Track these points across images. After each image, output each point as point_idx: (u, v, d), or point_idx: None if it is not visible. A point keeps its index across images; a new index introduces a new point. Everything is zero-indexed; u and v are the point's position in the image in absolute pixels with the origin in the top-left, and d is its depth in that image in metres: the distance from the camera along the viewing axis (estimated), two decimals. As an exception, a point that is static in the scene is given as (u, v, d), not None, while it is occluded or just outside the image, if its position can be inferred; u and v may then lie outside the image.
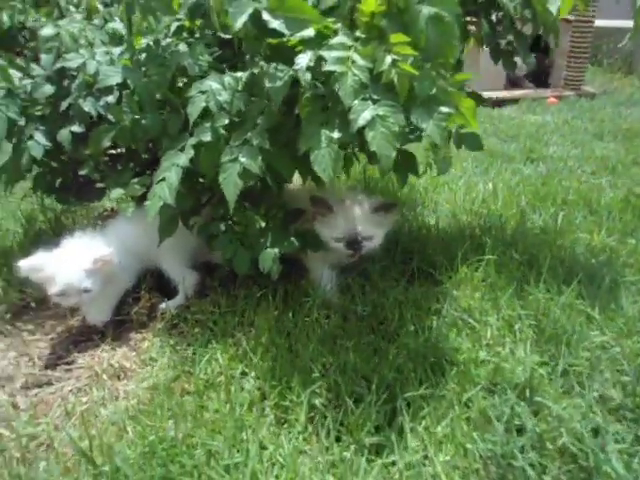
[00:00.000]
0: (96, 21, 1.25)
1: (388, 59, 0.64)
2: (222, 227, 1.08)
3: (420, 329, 0.96)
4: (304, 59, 0.65)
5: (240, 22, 0.66)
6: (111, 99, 1.09)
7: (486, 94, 3.05)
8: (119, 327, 1.17)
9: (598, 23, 3.80)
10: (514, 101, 3.00)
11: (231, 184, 0.76)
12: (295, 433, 0.79)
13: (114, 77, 1.05)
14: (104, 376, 1.01)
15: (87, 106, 1.05)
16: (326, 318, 1.05)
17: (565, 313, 0.98)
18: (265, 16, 0.67)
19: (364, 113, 0.63)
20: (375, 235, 1.06)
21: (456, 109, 0.68)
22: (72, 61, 1.06)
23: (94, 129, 1.02)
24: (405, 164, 0.94)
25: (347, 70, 0.63)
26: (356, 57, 0.64)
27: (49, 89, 1.11)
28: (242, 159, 0.76)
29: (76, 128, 1.10)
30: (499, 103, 2.99)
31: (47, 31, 1.12)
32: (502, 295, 1.03)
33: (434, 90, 0.66)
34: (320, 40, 0.67)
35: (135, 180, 1.09)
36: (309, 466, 0.73)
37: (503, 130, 2.37)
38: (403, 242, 1.31)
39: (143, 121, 0.97)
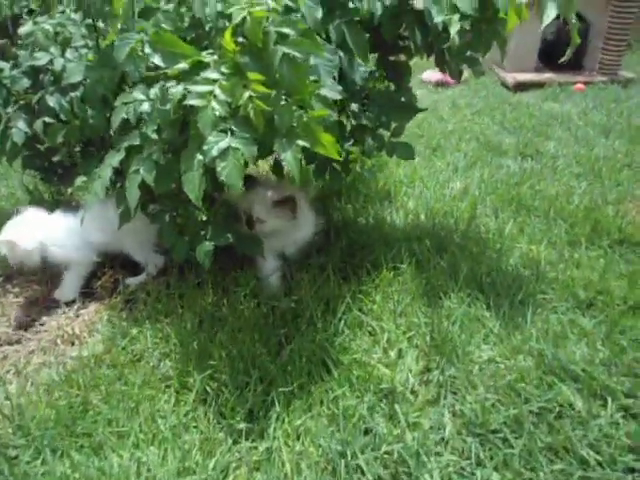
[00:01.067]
0: (76, 16, 1.35)
1: (246, 95, 0.70)
2: (166, 218, 1.19)
3: (324, 327, 1.04)
4: (177, 90, 0.73)
5: (123, 54, 0.74)
6: (77, 94, 1.20)
7: (511, 75, 2.95)
8: (88, 297, 1.33)
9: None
10: (540, 85, 2.87)
11: (133, 194, 0.86)
12: (184, 411, 0.91)
13: (77, 75, 1.16)
14: (58, 340, 1.18)
15: (52, 101, 1.18)
16: (256, 307, 1.15)
17: (464, 325, 1.02)
18: (147, 49, 0.74)
19: (219, 144, 0.70)
20: (270, 223, 1.14)
21: (316, 142, 0.73)
22: (41, 60, 1.18)
23: (49, 126, 1.14)
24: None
25: (207, 104, 0.70)
26: (218, 92, 0.70)
27: (25, 83, 1.24)
28: (142, 171, 0.85)
29: (49, 119, 1.23)
30: (523, 87, 2.88)
31: (25, 28, 1.24)
32: (412, 302, 1.08)
33: (294, 123, 0.72)
34: (196, 72, 0.73)
35: (97, 169, 1.22)
36: (187, 440, 0.86)
37: (510, 119, 2.30)
38: (353, 237, 1.37)
39: (90, 120, 1.08)
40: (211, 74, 0.72)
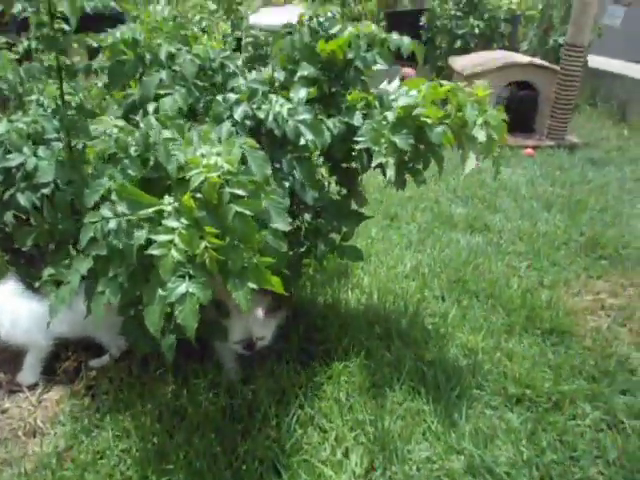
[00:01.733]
0: (49, 110, 1.43)
1: (202, 245, 0.79)
2: (131, 312, 1.25)
3: (278, 424, 1.12)
4: (140, 235, 0.81)
5: (92, 201, 0.83)
6: (47, 191, 1.27)
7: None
8: (51, 380, 1.37)
9: (598, 64, 3.79)
10: (493, 148, 3.05)
11: (98, 310, 0.93)
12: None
13: (48, 175, 1.23)
14: (20, 432, 1.21)
15: (22, 199, 1.24)
16: (215, 397, 1.22)
17: (406, 420, 1.12)
18: (113, 197, 0.83)
19: (177, 290, 0.78)
20: (267, 334, 1.22)
21: (265, 282, 0.83)
22: (13, 160, 1.24)
23: (18, 229, 1.21)
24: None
25: (167, 252, 0.79)
26: (177, 240, 0.79)
27: (-3, 178, 1.30)
28: (107, 293, 0.92)
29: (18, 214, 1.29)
30: (478, 149, 3.06)
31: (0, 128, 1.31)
32: (359, 396, 1.17)
33: (245, 266, 0.81)
34: (159, 219, 0.82)
35: (66, 262, 1.28)
36: None
37: (463, 187, 2.46)
38: (310, 320, 1.46)
39: (59, 226, 1.15)
40: (171, 222, 0.80)
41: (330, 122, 1.09)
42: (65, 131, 1.25)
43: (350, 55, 1.15)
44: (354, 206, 1.31)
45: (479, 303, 1.54)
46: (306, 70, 1.11)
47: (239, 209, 0.78)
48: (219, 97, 1.04)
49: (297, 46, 1.13)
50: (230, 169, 0.79)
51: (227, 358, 1.32)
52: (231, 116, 0.99)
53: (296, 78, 1.11)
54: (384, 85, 1.32)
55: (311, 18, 1.17)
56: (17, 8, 1.32)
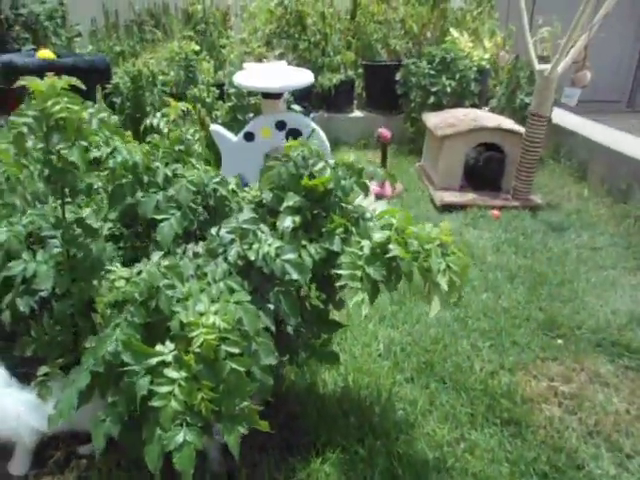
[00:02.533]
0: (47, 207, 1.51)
1: (199, 396, 0.89)
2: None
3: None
4: (143, 385, 0.91)
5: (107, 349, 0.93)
6: (45, 293, 1.35)
7: (439, 195, 3.31)
8: (41, 469, 1.43)
9: (561, 120, 4.04)
10: (463, 207, 3.24)
11: (99, 441, 1.02)
12: None
13: (47, 282, 1.31)
14: (12, 532, 1.27)
15: (21, 305, 1.32)
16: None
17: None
18: (119, 347, 0.93)
19: (175, 439, 0.88)
20: None
21: (253, 424, 0.93)
22: (14, 268, 1.32)
23: (18, 339, 1.28)
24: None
25: (168, 402, 0.89)
26: (177, 391, 0.89)
27: (-5, 283, 1.37)
28: (108, 422, 1.01)
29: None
30: (448, 207, 3.24)
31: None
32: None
33: (236, 412, 0.92)
34: (159, 368, 0.92)
35: (59, 360, 1.35)
36: None
37: (434, 253, 2.60)
38: (292, 406, 1.56)
39: (59, 338, 1.24)
40: (172, 373, 0.91)
41: (312, 248, 1.21)
42: (65, 245, 1.34)
43: (330, 185, 1.28)
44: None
45: (445, 389, 1.67)
46: (292, 200, 1.23)
47: (234, 366, 0.89)
48: (213, 230, 1.15)
49: (284, 177, 1.25)
50: (226, 327, 0.90)
51: (211, 448, 1.41)
52: (225, 255, 1.10)
53: (282, 207, 1.23)
54: (360, 200, 1.44)
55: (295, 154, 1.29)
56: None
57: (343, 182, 1.29)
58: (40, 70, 3.12)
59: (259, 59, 4.39)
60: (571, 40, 2.77)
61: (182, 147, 1.42)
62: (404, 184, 3.70)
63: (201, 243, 1.22)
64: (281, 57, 4.36)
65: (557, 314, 2.07)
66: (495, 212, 3.13)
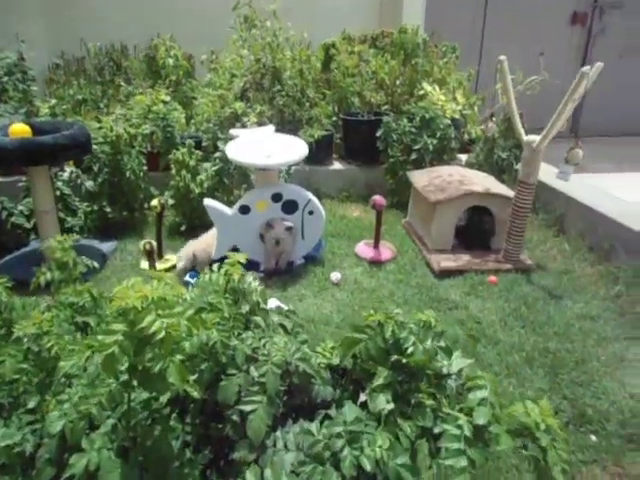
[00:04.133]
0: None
1: None
2: None
3: None
4: None
5: None
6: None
7: (435, 259, 3.37)
8: None
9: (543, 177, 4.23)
10: (460, 272, 3.32)
11: None
12: None
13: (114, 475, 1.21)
14: None
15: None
16: None
17: None
18: None
19: None
20: None
21: None
22: (76, 464, 1.20)
23: None
24: None
25: None
26: None
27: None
28: None
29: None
30: (446, 273, 3.31)
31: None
32: None
33: None
34: None
35: None
36: None
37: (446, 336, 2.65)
38: None
39: None
40: None
41: (407, 427, 1.19)
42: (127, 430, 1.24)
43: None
44: None
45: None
46: (383, 376, 1.21)
47: None
48: (313, 428, 1.11)
49: (372, 352, 1.23)
50: None
51: None
52: (333, 460, 1.06)
53: (374, 385, 1.20)
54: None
55: (381, 324, 1.27)
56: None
57: (427, 345, 1.28)
58: (18, 151, 2.92)
59: (236, 116, 4.32)
60: (560, 116, 2.92)
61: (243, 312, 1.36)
62: (396, 245, 3.75)
63: (289, 433, 1.17)
64: (261, 115, 4.31)
65: (582, 404, 2.15)
66: (492, 278, 3.23)
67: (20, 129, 3.14)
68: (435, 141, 4.07)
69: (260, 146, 3.20)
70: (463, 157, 4.71)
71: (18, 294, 3.06)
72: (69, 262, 1.64)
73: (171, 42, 5.27)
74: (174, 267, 3.43)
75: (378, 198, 3.40)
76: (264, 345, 1.28)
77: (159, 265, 3.39)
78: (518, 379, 2.32)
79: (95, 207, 3.84)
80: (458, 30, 6.31)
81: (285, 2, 4.69)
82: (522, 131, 3.20)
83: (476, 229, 3.57)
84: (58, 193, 3.75)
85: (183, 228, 3.86)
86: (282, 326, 1.47)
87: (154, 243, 2.71)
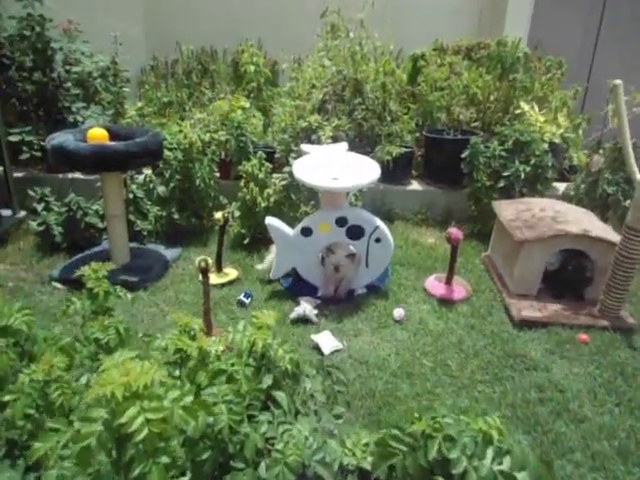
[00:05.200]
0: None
1: None
2: None
3: None
4: None
5: None
6: None
7: (516, 307, 2.96)
8: None
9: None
10: (544, 325, 2.88)
11: None
12: None
13: None
14: None
15: None
16: None
17: None
18: None
19: None
20: None
21: None
22: None
23: None
24: None
25: None
26: None
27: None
28: None
29: None
30: (527, 323, 2.89)
31: None
32: None
33: None
34: None
35: None
36: None
37: (521, 405, 2.27)
38: None
39: None
40: None
41: None
42: None
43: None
44: None
45: None
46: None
47: None
48: None
49: (411, 471, 0.95)
50: None
51: None
52: None
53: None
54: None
55: (426, 436, 0.99)
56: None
57: (483, 469, 0.98)
58: (91, 156, 2.94)
59: (312, 130, 4.14)
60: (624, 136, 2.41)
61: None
62: (472, 282, 3.37)
63: None
64: (337, 129, 4.11)
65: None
66: (583, 336, 2.76)
67: (97, 134, 3.18)
68: (528, 168, 3.62)
69: (328, 166, 2.98)
70: (561, 186, 4.19)
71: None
72: (100, 293, 1.52)
73: (256, 48, 5.23)
74: (233, 282, 3.33)
75: (455, 231, 3.05)
76: (282, 434, 1.05)
77: (217, 279, 3.30)
78: (606, 475, 1.90)
79: (164, 212, 3.84)
80: (566, 42, 5.72)
81: (376, 9, 4.46)
82: (635, 167, 2.70)
83: (569, 275, 3.09)
84: (131, 196, 3.80)
85: (246, 241, 3.75)
86: (313, 397, 1.23)
87: (210, 261, 2.58)
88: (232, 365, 1.19)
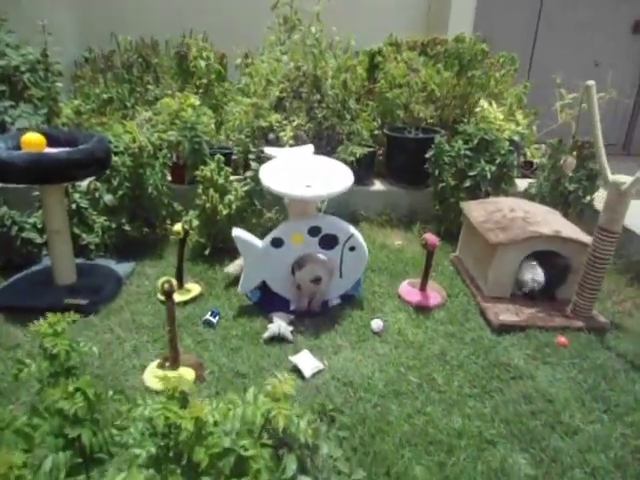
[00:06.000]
0: None
1: None
2: None
3: None
4: None
5: None
6: None
7: (493, 312, 2.91)
8: None
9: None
10: (522, 329, 2.86)
11: None
12: None
13: None
14: None
15: None
16: None
17: None
18: None
19: None
20: None
21: None
22: None
23: None
24: None
25: None
26: None
27: None
28: None
29: None
30: (505, 328, 2.85)
31: None
32: None
33: None
34: None
35: None
36: None
37: (510, 413, 2.21)
38: None
39: None
40: None
41: None
42: None
43: None
44: None
45: None
46: None
47: None
48: None
49: None
50: None
51: None
52: None
53: None
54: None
55: None
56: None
57: None
58: (28, 167, 2.57)
59: (271, 129, 3.92)
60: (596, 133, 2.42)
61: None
62: (444, 286, 3.31)
63: None
64: (298, 128, 3.90)
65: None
66: (562, 339, 2.76)
67: (33, 140, 2.79)
68: (494, 168, 3.60)
69: (299, 173, 2.79)
70: (521, 183, 4.22)
71: (21, 325, 2.75)
72: (60, 353, 1.26)
73: (203, 42, 4.90)
74: (195, 299, 3.07)
75: (430, 237, 2.96)
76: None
77: (179, 297, 3.03)
78: (609, 494, 1.87)
79: (113, 223, 3.49)
80: (507, 39, 5.78)
81: (329, 3, 4.27)
82: (608, 169, 2.71)
83: (551, 278, 3.08)
84: (74, 206, 3.43)
85: (207, 252, 3.48)
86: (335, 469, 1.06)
87: (174, 282, 2.32)
88: (243, 447, 0.99)
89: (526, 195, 3.90)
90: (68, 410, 1.22)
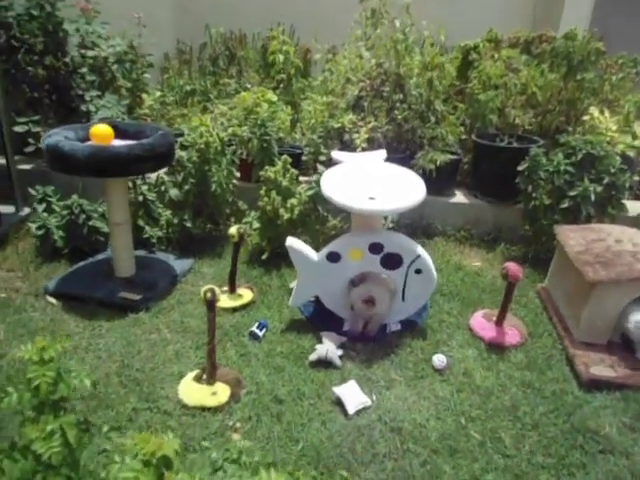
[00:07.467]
0: None
1: None
2: None
3: None
4: None
5: None
6: None
7: (583, 362, 2.44)
8: None
9: None
10: (617, 387, 2.36)
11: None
12: None
13: None
14: None
15: None
16: None
17: None
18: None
19: None
20: None
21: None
22: None
23: None
24: None
25: None
26: None
27: None
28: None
29: None
30: (597, 384, 2.37)
31: None
32: None
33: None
34: None
35: None
36: None
37: None
38: None
39: None
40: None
41: None
42: None
43: None
44: None
45: None
46: None
47: None
48: None
49: None
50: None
51: None
52: None
53: None
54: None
55: None
56: None
57: None
58: (88, 160, 2.53)
59: (344, 131, 3.65)
60: None
61: None
62: (525, 322, 2.86)
63: None
64: (374, 130, 3.60)
65: None
66: (671, 409, 2.22)
67: (101, 132, 2.77)
68: (600, 188, 3.06)
69: (364, 181, 2.50)
70: (633, 207, 3.59)
71: (75, 315, 2.75)
72: (43, 385, 1.10)
73: (288, 34, 4.74)
74: (246, 306, 2.91)
75: (513, 267, 2.54)
76: None
77: (229, 302, 2.88)
78: None
79: (177, 218, 3.43)
80: (630, 37, 4.99)
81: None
82: None
83: None
84: (141, 198, 3.41)
85: (265, 256, 3.31)
86: None
87: (217, 290, 2.16)
88: None
89: (639, 223, 3.29)
90: (43, 454, 1.05)
